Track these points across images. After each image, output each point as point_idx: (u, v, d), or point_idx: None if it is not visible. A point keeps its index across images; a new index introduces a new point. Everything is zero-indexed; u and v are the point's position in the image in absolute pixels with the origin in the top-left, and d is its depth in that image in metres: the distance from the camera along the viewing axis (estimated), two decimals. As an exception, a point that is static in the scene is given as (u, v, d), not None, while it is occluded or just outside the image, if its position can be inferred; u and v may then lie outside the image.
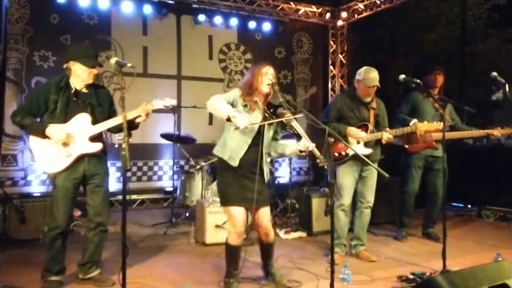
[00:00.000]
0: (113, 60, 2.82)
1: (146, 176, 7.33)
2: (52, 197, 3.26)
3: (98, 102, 3.32)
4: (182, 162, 7.06)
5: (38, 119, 3.25)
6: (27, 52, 6.47)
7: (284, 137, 3.45)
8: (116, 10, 7.02)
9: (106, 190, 3.37)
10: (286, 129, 3.19)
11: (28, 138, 3.24)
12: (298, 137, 3.11)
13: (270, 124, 3.16)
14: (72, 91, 3.21)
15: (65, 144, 3.15)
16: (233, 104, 3.09)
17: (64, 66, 3.25)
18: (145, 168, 7.31)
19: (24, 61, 6.46)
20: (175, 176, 6.11)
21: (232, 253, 3.21)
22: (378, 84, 3.94)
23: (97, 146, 3.26)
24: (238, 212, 3.14)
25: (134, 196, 7.13)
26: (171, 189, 6.35)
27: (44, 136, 3.13)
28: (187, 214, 5.72)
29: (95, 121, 3.25)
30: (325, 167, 2.83)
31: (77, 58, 3.19)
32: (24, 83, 6.45)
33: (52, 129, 3.13)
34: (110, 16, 7.03)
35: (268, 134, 3.20)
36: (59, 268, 3.29)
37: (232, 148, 3.13)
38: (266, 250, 3.38)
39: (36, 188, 6.41)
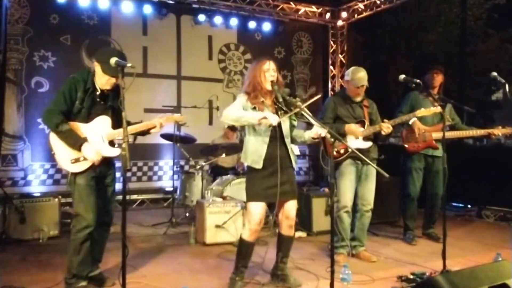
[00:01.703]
0: (113, 60, 2.81)
1: (146, 176, 7.34)
2: (75, 198, 3.16)
3: (118, 104, 3.29)
4: (182, 162, 7.06)
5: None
6: (27, 52, 6.47)
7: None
8: (116, 10, 7.03)
9: (114, 190, 3.36)
10: (298, 117, 3.20)
11: (49, 136, 3.15)
12: (309, 124, 3.12)
13: (285, 115, 3.18)
14: (98, 93, 3.17)
15: (96, 162, 3.14)
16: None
17: (92, 64, 3.20)
18: (145, 168, 7.31)
19: (24, 62, 6.47)
20: (175, 176, 6.11)
21: (243, 248, 3.22)
22: (366, 84, 3.96)
23: (116, 152, 3.23)
24: (256, 209, 3.13)
25: (134, 196, 7.13)
26: (171, 189, 6.35)
27: (79, 149, 3.07)
28: (187, 214, 5.72)
29: (113, 124, 3.24)
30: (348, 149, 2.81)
31: (100, 61, 3.11)
32: (24, 83, 6.46)
33: (89, 149, 3.07)
34: (110, 16, 7.04)
35: (285, 125, 3.20)
36: (88, 271, 3.23)
37: (252, 151, 3.16)
38: (287, 245, 3.36)
39: (36, 188, 6.42)
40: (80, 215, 3.13)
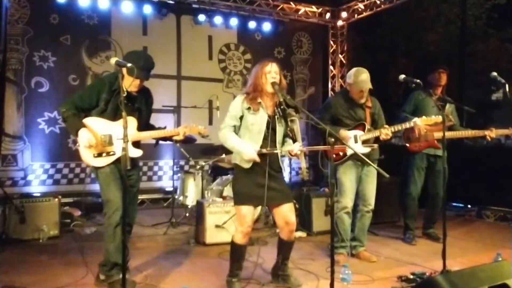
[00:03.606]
0: (113, 60, 2.80)
1: (146, 176, 7.33)
2: (102, 185, 3.22)
3: (146, 105, 3.38)
4: (182, 162, 7.06)
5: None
6: (27, 52, 6.47)
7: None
8: (116, 10, 7.02)
9: (137, 191, 3.39)
10: (287, 130, 3.20)
11: (77, 133, 3.19)
12: (293, 140, 3.16)
13: (279, 122, 3.17)
14: (125, 95, 3.16)
15: (102, 148, 3.19)
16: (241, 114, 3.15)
17: (118, 67, 3.23)
18: (145, 168, 7.31)
19: (24, 62, 6.46)
20: (175, 176, 6.11)
21: (236, 251, 3.21)
22: (370, 86, 3.91)
23: (138, 153, 3.30)
24: (247, 212, 3.13)
25: (134, 196, 7.12)
26: (171, 189, 6.35)
27: (76, 134, 3.16)
28: (187, 214, 5.72)
29: (139, 126, 3.28)
30: (304, 179, 2.88)
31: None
32: (24, 83, 6.46)
33: (84, 134, 3.13)
34: (110, 16, 7.03)
35: (280, 130, 3.19)
36: (128, 258, 3.26)
37: None
38: (287, 249, 3.37)
39: (36, 188, 6.41)
40: (110, 199, 3.18)
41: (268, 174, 3.10)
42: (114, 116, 3.20)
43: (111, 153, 3.20)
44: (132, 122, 3.25)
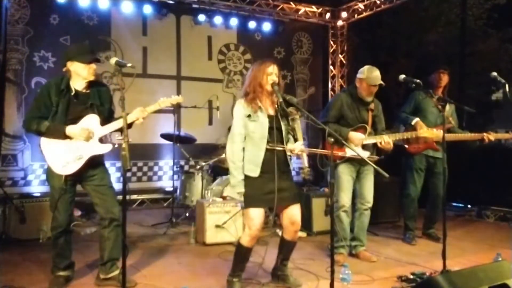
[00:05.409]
0: (113, 60, 2.80)
1: (146, 176, 7.33)
2: (50, 197, 3.29)
3: (101, 101, 3.32)
4: (182, 162, 7.06)
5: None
6: (27, 52, 6.47)
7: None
8: (116, 10, 7.02)
9: (109, 187, 3.36)
10: (289, 129, 3.20)
11: (39, 140, 3.21)
12: (295, 139, 3.17)
13: (282, 120, 3.16)
14: (73, 93, 3.20)
15: (89, 138, 3.18)
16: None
17: (64, 69, 3.23)
18: (145, 168, 7.31)
19: (24, 62, 6.46)
20: (175, 176, 6.11)
21: (241, 253, 3.21)
22: (381, 82, 3.92)
23: (107, 147, 3.26)
24: (256, 215, 3.10)
25: (134, 196, 7.13)
26: (171, 189, 6.35)
27: (65, 136, 3.14)
28: (187, 214, 5.72)
29: (101, 121, 3.26)
30: (306, 178, 2.89)
31: (73, 57, 3.17)
32: (24, 83, 6.46)
33: (72, 128, 3.14)
34: (110, 16, 7.04)
35: (284, 128, 3.18)
36: (66, 264, 3.31)
37: (249, 160, 3.12)
38: (289, 249, 3.36)
39: (36, 188, 6.41)
40: (53, 214, 3.24)
41: (278, 174, 3.08)
42: (65, 117, 3.17)
43: (75, 159, 3.17)
44: (94, 118, 3.23)
